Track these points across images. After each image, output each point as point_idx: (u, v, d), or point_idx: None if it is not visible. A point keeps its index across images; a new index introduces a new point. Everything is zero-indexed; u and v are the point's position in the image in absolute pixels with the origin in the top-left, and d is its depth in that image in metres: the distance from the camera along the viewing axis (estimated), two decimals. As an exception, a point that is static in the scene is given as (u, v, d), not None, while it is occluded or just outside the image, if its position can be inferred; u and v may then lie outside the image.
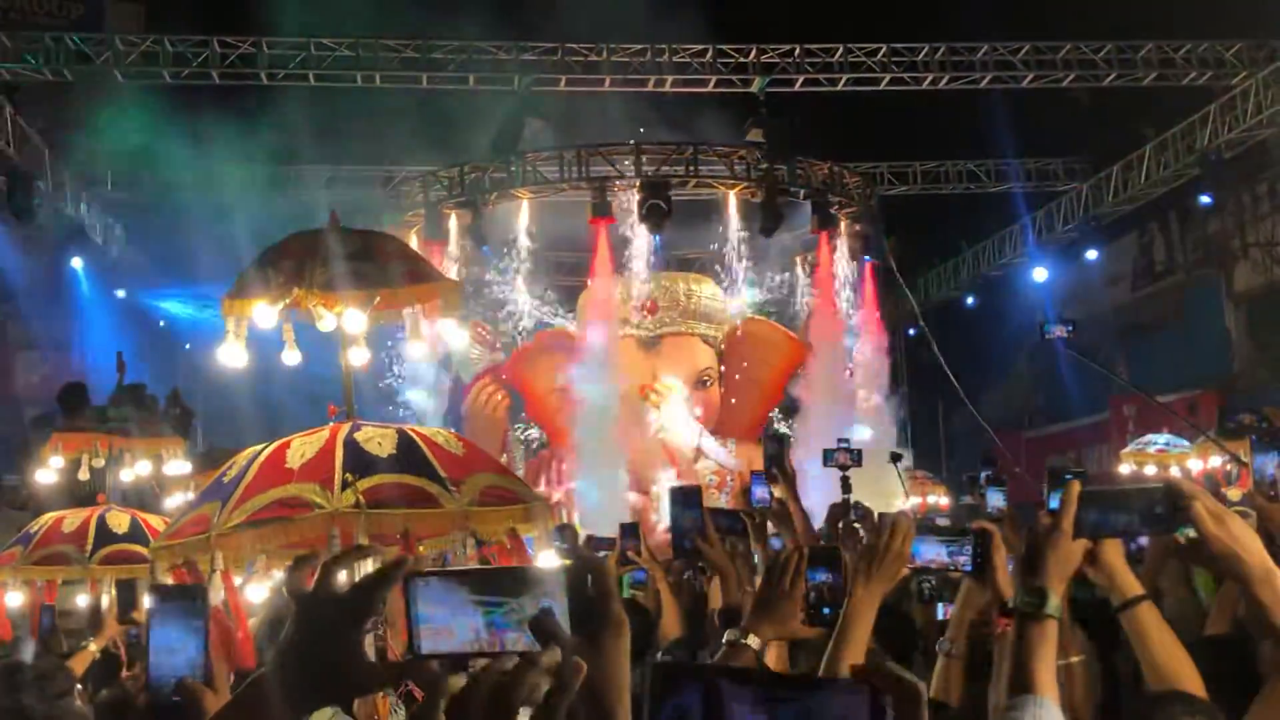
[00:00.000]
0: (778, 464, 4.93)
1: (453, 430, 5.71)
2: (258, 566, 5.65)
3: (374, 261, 4.76)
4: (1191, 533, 2.30)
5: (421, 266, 5.18)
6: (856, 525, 5.86)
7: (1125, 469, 14.87)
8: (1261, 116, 18.22)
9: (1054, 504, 3.44)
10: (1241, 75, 19.17)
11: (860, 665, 1.14)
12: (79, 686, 5.08)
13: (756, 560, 4.89)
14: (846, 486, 9.45)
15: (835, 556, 2.83)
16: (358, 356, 4.83)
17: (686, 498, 3.41)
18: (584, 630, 1.29)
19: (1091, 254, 22.67)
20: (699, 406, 19.15)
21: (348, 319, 4.76)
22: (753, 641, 2.63)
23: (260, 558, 5.43)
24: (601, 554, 6.24)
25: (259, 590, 6.80)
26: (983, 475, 6.30)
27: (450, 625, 1.34)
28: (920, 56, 19.83)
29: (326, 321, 4.70)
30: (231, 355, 4.65)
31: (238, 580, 5.94)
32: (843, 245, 19.97)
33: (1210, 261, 22.10)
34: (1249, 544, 2.26)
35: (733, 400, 19.56)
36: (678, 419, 18.74)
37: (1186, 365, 20.73)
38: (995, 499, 5.99)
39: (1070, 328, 5.89)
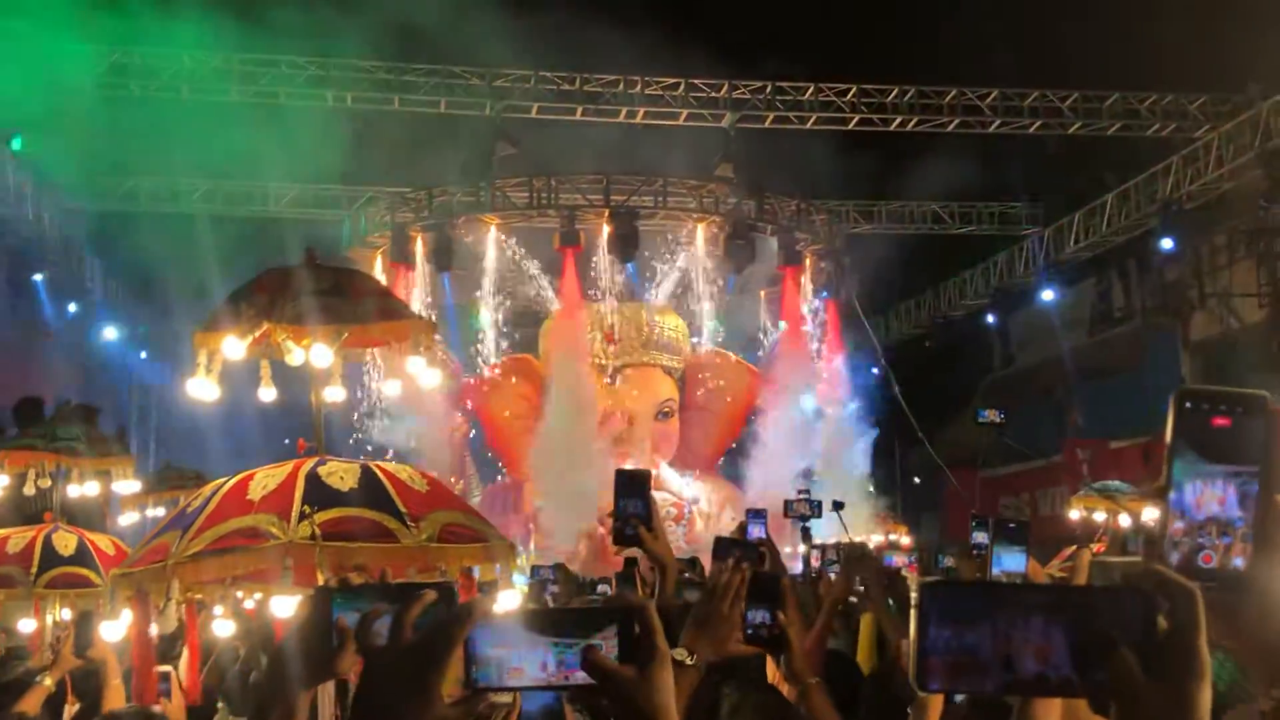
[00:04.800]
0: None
1: (419, 468, 5.66)
2: (225, 604, 5.55)
3: (346, 297, 4.72)
4: None
5: (394, 304, 5.14)
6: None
7: (1075, 514, 14.95)
8: (1223, 170, 18.48)
9: (1002, 561, 3.35)
10: (1205, 128, 19.47)
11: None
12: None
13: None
14: (807, 536, 9.40)
15: (777, 589, 2.76)
16: (333, 394, 4.77)
17: (633, 483, 3.10)
18: (633, 662, 1.45)
19: (1049, 296, 22.95)
20: (660, 437, 19.10)
21: (315, 353, 4.70)
22: (693, 660, 2.57)
23: (230, 596, 5.34)
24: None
25: (225, 625, 6.69)
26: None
27: (521, 666, 1.47)
28: (890, 98, 20.00)
29: (295, 356, 4.64)
30: (201, 389, 4.56)
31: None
32: (807, 281, 20.06)
33: (1168, 309, 22.32)
34: None
35: (691, 432, 19.53)
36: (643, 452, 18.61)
37: (1141, 411, 20.89)
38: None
39: (1002, 414, 5.84)
